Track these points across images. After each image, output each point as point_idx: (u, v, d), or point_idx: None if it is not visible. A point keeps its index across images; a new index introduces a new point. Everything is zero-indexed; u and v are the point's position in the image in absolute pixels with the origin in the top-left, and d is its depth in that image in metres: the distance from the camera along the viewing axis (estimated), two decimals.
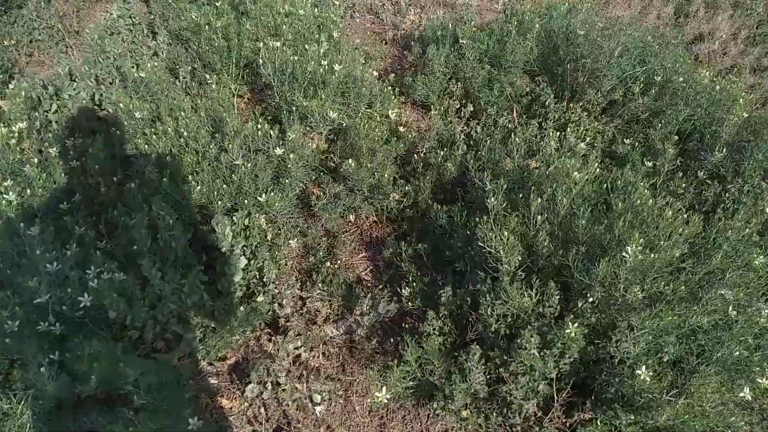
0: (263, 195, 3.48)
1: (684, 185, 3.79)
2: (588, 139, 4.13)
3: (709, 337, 2.52)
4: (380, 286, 3.69)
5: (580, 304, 2.68)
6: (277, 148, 3.60)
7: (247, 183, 3.46)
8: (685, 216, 2.86)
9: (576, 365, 2.72)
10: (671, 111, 4.49)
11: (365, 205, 3.86)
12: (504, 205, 3.06)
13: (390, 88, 4.64)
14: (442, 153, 4.01)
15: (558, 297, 2.73)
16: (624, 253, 2.48)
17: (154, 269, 2.90)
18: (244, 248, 3.35)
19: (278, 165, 3.69)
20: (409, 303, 3.34)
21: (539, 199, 2.96)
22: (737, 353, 2.48)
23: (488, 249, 2.82)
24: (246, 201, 3.49)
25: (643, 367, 2.48)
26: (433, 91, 4.88)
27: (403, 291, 3.38)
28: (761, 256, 2.69)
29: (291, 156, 3.60)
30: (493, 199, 2.98)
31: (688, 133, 4.50)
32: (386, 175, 3.73)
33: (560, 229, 2.98)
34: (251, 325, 3.19)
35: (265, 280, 3.27)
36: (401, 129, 4.42)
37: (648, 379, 2.44)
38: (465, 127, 4.75)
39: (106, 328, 3.11)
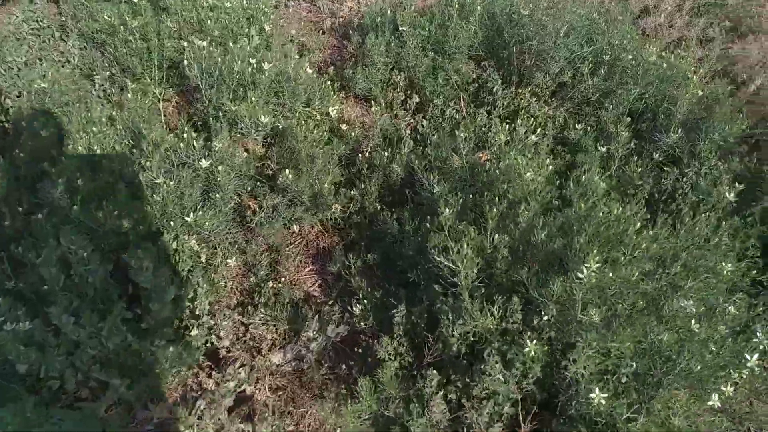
0: (191, 214, 3.14)
1: (640, 170, 3.63)
2: (539, 130, 3.91)
3: (672, 351, 2.34)
4: (330, 302, 3.42)
5: (536, 321, 2.46)
6: (203, 160, 3.25)
7: (171, 203, 3.11)
8: (651, 232, 2.65)
9: (541, 383, 2.52)
10: (622, 91, 4.32)
11: (308, 215, 3.57)
12: (457, 209, 2.82)
13: (329, 82, 4.32)
14: (386, 154, 3.74)
15: (521, 313, 2.51)
16: (579, 273, 2.27)
17: (65, 315, 2.55)
18: (173, 276, 3.01)
19: (207, 178, 3.34)
20: (361, 323, 3.08)
21: (495, 210, 2.71)
22: (698, 367, 2.32)
23: (443, 264, 2.57)
24: (172, 223, 3.14)
25: (597, 389, 2.28)
26: (375, 83, 4.57)
27: (354, 309, 3.12)
28: (728, 264, 2.52)
29: (220, 168, 3.26)
30: (447, 211, 2.72)
31: (640, 112, 4.35)
32: (327, 185, 3.44)
33: (519, 242, 2.75)
34: (185, 365, 2.87)
35: (198, 312, 2.95)
36: (343, 127, 4.12)
37: (603, 401, 2.25)
38: (411, 120, 4.48)
39: (19, 381, 2.75)
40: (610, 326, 2.33)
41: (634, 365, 2.36)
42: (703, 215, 2.98)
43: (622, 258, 2.44)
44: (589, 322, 2.30)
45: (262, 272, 3.42)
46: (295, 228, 3.72)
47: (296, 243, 3.73)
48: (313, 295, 3.51)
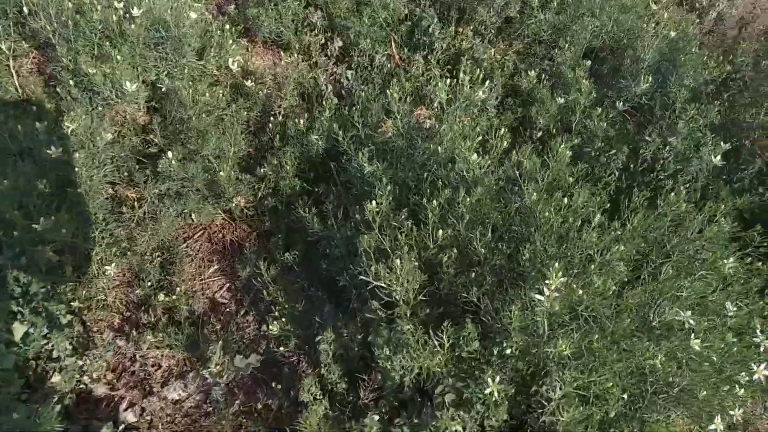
0: (41, 220, 2.35)
1: (605, 124, 3.06)
2: (487, 82, 3.24)
3: (667, 374, 1.85)
4: (242, 312, 2.77)
5: (495, 351, 1.91)
6: (52, 147, 2.42)
7: (8, 207, 2.31)
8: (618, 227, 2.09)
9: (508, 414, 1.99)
10: (577, 26, 3.68)
11: (206, 206, 2.82)
12: (390, 198, 2.18)
13: (228, 26, 3.45)
14: (302, 121, 2.98)
15: (478, 341, 1.94)
16: (537, 295, 1.70)
17: None
18: (20, 308, 2.26)
19: (61, 169, 2.53)
20: (280, 347, 2.45)
21: (434, 201, 2.08)
22: (703, 393, 1.85)
23: (375, 282, 1.94)
24: (15, 233, 2.35)
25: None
26: (286, 24, 3.73)
27: (270, 329, 2.48)
28: (730, 258, 2.01)
29: (78, 156, 2.45)
30: (374, 204, 2.06)
31: (597, 51, 3.76)
32: (225, 173, 2.69)
33: (465, 244, 2.14)
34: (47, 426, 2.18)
35: (55, 354, 2.23)
36: (248, 84, 3.30)
37: None
38: (334, 70, 3.70)
39: None
40: (587, 359, 1.80)
41: (623, 400, 1.86)
42: (684, 188, 2.47)
43: (592, 266, 1.89)
44: (560, 355, 1.76)
45: (150, 280, 2.70)
46: (194, 218, 2.97)
47: (196, 237, 3.01)
48: (220, 304, 2.84)
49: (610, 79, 3.60)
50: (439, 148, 2.38)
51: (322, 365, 2.21)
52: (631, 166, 2.71)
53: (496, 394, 1.82)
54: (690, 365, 1.84)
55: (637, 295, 1.93)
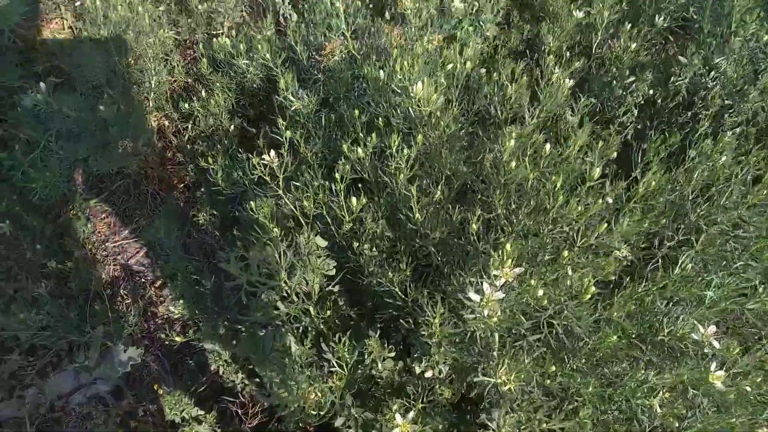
0: None
1: (640, 47, 2.29)
2: None
3: (672, 416, 1.21)
4: (158, 284, 2.27)
5: (418, 369, 1.31)
6: None
7: None
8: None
9: None
10: None
11: (110, 151, 2.27)
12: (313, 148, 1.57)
13: None
14: (229, 41, 2.33)
15: (392, 359, 1.34)
16: (471, 294, 1.06)
17: None
18: None
19: None
20: (184, 333, 1.94)
21: (358, 151, 1.45)
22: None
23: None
24: None
25: None
26: None
27: (172, 310, 1.96)
28: None
29: None
30: (272, 155, 1.46)
31: None
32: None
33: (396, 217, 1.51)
34: None
35: None
36: None
37: None
38: None
39: None
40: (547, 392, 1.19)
41: None
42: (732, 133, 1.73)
43: (566, 252, 1.23)
44: (505, 390, 1.15)
45: (42, 242, 2.21)
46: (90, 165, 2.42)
47: (113, 189, 2.48)
48: (135, 272, 2.34)
49: None
50: (381, 72, 1.71)
51: (214, 370, 1.68)
52: (659, 100, 1.95)
53: None
54: (706, 411, 1.20)
55: (634, 297, 1.27)
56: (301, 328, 1.48)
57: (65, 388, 2.05)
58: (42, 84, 1.92)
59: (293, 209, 1.57)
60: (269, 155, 1.50)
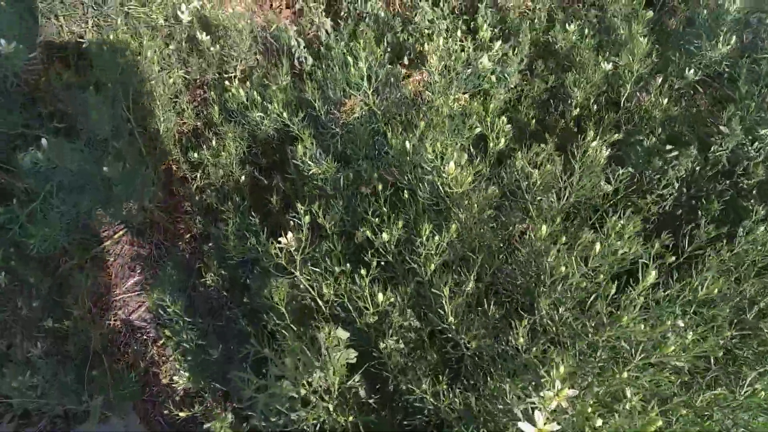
0: None
1: (665, 102, 2.19)
2: (501, 43, 2.36)
3: None
4: (161, 342, 2.15)
5: None
6: None
7: None
8: None
9: None
10: None
11: (113, 205, 2.15)
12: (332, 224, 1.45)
13: None
14: (242, 91, 2.22)
15: None
16: (523, 425, 0.95)
17: None
18: None
19: None
20: (190, 406, 1.80)
21: (384, 235, 1.34)
22: None
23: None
24: None
25: None
26: None
27: (177, 380, 1.83)
28: None
29: None
30: (289, 237, 1.35)
31: None
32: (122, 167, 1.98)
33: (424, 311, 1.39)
34: None
35: None
36: (203, 38, 2.55)
37: None
38: (317, 20, 2.90)
39: None
40: None
41: None
42: None
43: (624, 372, 1.11)
44: None
45: (38, 298, 2.09)
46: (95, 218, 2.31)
47: (116, 237, 2.37)
48: (137, 329, 2.21)
49: (678, 38, 2.65)
50: (407, 144, 1.60)
51: None
52: (697, 168, 1.83)
53: None
54: None
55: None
56: (318, 425, 1.35)
57: None
58: (44, 140, 1.81)
59: (310, 290, 1.45)
60: (286, 238, 1.38)
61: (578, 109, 2.43)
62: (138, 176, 1.99)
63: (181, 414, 1.75)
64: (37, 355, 2.02)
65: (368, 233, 1.41)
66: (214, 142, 2.26)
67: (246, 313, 1.92)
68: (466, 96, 2.06)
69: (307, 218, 1.43)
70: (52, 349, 2.04)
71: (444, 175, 1.37)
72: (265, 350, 1.25)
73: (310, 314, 1.48)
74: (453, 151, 1.40)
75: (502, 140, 1.57)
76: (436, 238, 1.32)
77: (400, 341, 1.29)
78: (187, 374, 1.78)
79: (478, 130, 1.74)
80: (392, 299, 1.30)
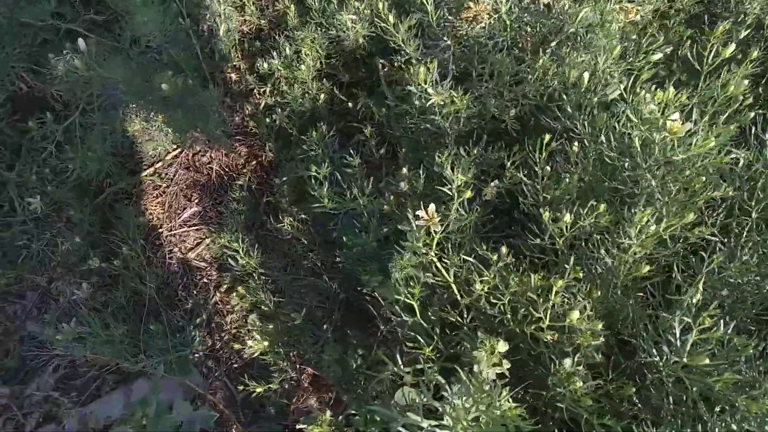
0: None
1: None
2: None
3: None
4: (224, 288, 1.83)
5: None
6: None
7: None
8: None
9: None
10: None
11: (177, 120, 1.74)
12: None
13: None
14: None
15: None
16: None
17: None
18: None
19: None
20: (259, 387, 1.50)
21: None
22: None
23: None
24: None
25: None
26: None
27: (247, 345, 1.52)
28: None
29: None
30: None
31: None
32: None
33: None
34: None
35: None
36: None
37: None
38: None
39: None
40: None
41: None
42: None
43: None
44: None
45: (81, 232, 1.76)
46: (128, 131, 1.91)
47: (168, 159, 1.99)
48: (195, 269, 1.89)
49: None
50: (585, 75, 1.14)
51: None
52: None
53: None
54: None
55: None
56: None
57: (113, 414, 1.68)
58: (80, 41, 1.38)
59: (452, 284, 1.08)
60: (426, 212, 0.98)
61: None
62: (203, 98, 1.57)
63: (259, 389, 1.46)
64: (83, 298, 1.73)
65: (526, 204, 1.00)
66: (287, 50, 1.80)
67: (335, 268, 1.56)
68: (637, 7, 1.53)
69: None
70: (98, 293, 1.73)
71: (665, 132, 0.93)
72: (405, 376, 0.90)
73: (441, 307, 1.12)
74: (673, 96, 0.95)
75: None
76: (652, 228, 0.91)
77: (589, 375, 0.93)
78: (258, 338, 1.46)
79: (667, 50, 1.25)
80: (587, 311, 0.92)
